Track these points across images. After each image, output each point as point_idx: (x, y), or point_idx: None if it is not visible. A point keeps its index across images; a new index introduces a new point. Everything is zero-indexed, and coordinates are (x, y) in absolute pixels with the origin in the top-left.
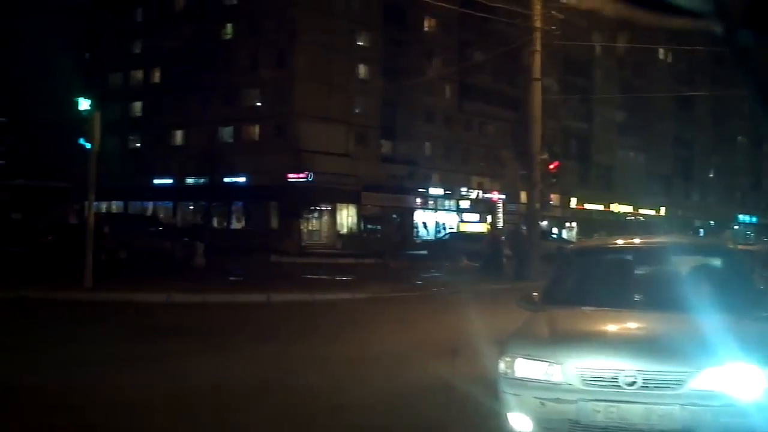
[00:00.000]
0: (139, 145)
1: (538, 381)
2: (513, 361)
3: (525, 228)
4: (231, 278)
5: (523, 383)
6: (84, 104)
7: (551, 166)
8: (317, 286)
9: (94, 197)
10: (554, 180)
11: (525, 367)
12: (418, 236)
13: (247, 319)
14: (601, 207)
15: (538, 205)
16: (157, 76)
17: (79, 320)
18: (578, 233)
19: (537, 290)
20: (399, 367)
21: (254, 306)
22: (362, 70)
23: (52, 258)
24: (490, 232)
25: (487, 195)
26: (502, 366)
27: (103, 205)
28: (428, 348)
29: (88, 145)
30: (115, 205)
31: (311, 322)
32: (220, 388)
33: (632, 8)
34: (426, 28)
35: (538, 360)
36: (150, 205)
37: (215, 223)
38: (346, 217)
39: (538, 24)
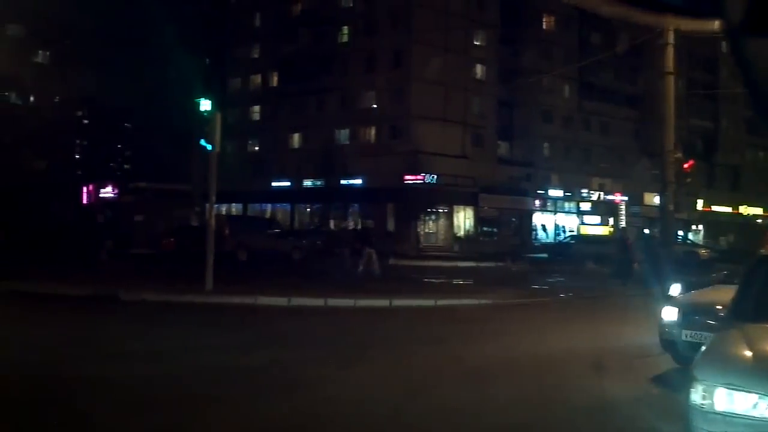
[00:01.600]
0: (257, 148)
1: (747, 417)
2: (712, 392)
3: (656, 231)
4: (348, 280)
5: (727, 419)
6: (205, 105)
7: (685, 166)
8: (438, 290)
9: (215, 199)
10: (689, 180)
11: (727, 399)
12: (536, 239)
13: (372, 324)
14: (728, 209)
15: (671, 207)
16: (274, 80)
17: (201, 324)
18: (705, 236)
19: (679, 298)
20: (545, 379)
21: (377, 311)
22: (479, 69)
23: (174, 260)
24: (618, 235)
25: (609, 196)
26: (696, 397)
27: (223, 208)
28: (572, 361)
29: (209, 147)
30: (235, 208)
31: (441, 329)
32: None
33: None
34: (544, 26)
35: (745, 391)
36: (268, 207)
37: (332, 225)
38: (463, 220)
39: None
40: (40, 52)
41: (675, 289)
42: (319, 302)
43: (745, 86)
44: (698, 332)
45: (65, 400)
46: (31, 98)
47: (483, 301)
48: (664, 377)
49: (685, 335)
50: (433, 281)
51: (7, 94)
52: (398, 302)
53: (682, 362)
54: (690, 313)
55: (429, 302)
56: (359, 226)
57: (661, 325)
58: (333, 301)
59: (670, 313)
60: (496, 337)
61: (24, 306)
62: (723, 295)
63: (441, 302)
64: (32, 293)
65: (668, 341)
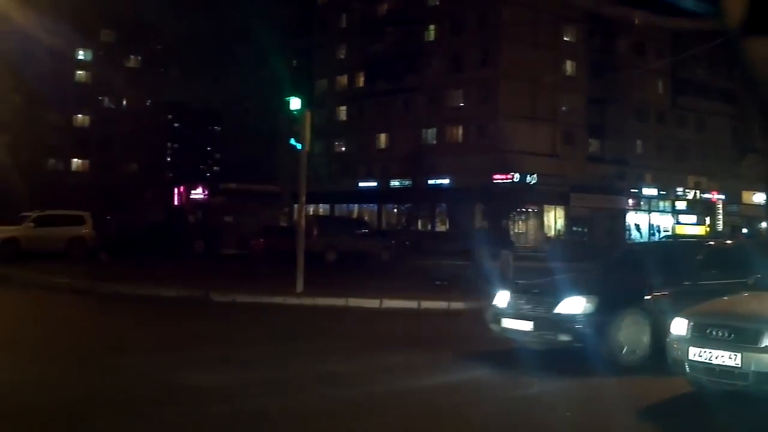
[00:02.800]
0: (343, 149)
1: None
2: None
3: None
4: (437, 283)
5: None
6: (295, 103)
7: None
8: None
9: (305, 199)
10: None
11: None
12: (630, 239)
13: (466, 327)
14: None
15: None
16: (361, 81)
17: (294, 326)
18: None
19: (692, 308)
20: None
21: (467, 314)
22: (568, 66)
23: (263, 260)
24: (728, 235)
25: (705, 195)
26: None
27: (311, 208)
28: None
29: (299, 146)
30: (322, 208)
31: None
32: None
33: None
34: (635, 20)
35: None
36: (355, 207)
37: (419, 225)
38: (554, 219)
39: None
40: (131, 57)
41: (501, 297)
42: (411, 304)
43: (745, 86)
44: (710, 350)
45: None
46: (124, 102)
47: None
48: None
49: (694, 354)
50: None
51: (101, 98)
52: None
53: (695, 386)
54: (702, 326)
55: None
56: (488, 226)
57: (670, 341)
58: (426, 304)
59: (679, 326)
60: None
61: (126, 309)
62: (748, 303)
63: None
64: (131, 295)
65: (677, 361)
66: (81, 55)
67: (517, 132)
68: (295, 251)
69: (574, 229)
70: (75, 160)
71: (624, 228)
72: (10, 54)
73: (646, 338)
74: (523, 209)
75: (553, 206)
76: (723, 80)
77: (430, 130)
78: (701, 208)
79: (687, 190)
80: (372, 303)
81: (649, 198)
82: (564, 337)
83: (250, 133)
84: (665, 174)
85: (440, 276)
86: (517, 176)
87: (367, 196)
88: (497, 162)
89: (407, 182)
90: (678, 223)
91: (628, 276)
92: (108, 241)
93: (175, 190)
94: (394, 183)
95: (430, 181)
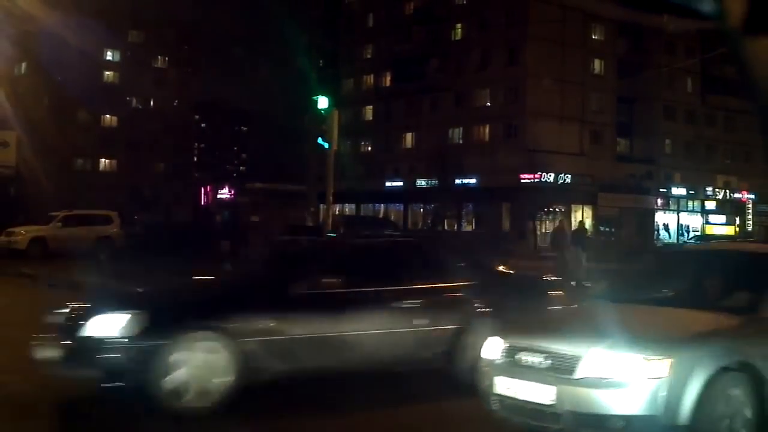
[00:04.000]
0: (369, 148)
1: None
2: None
3: None
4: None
5: None
6: (323, 102)
7: None
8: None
9: (332, 198)
10: None
11: None
12: (658, 239)
13: None
14: None
15: None
16: (387, 80)
17: None
18: None
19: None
20: None
21: None
22: (597, 64)
23: None
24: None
25: (735, 194)
26: None
27: (336, 208)
28: None
29: (326, 145)
30: (348, 208)
31: None
32: None
33: None
34: (664, 18)
35: None
36: (381, 207)
37: (445, 225)
38: (582, 219)
39: None
40: (159, 57)
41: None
42: None
43: (745, 85)
44: (520, 381)
45: None
46: (151, 102)
47: None
48: None
49: (503, 385)
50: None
51: (129, 98)
52: None
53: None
54: (514, 349)
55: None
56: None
57: (480, 367)
58: None
59: (492, 348)
60: None
61: None
62: (573, 319)
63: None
64: None
65: (485, 394)
66: (109, 55)
67: (545, 131)
68: None
69: (602, 228)
70: (103, 160)
71: (653, 228)
72: (40, 55)
73: (234, 373)
74: (551, 209)
75: (581, 206)
76: None
77: (456, 130)
78: (731, 208)
79: (716, 190)
80: None
81: (678, 198)
82: (91, 372)
83: (276, 133)
84: (694, 173)
85: None
86: (550, 176)
87: (393, 196)
88: (524, 161)
89: (434, 182)
90: (707, 223)
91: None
92: (135, 241)
93: (202, 190)
94: (421, 183)
95: (457, 181)
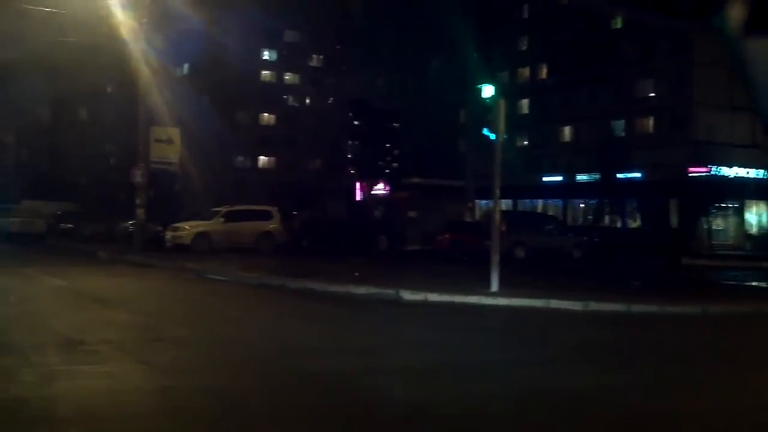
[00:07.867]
0: (526, 143)
1: None
2: None
3: None
4: (635, 283)
5: None
6: (488, 91)
7: None
8: (754, 295)
9: (499, 193)
10: None
11: None
12: None
13: (690, 336)
14: None
15: None
16: (543, 72)
17: (496, 331)
18: None
19: None
20: None
21: (689, 319)
22: None
23: (449, 257)
24: None
25: None
26: None
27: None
28: None
29: (492, 136)
30: (504, 204)
31: None
32: None
33: None
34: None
35: None
36: (539, 202)
37: (607, 221)
38: (756, 215)
39: None
40: (314, 56)
41: None
42: (619, 308)
43: (745, 85)
44: None
45: None
46: (307, 101)
47: None
48: None
49: None
50: (740, 284)
51: (285, 97)
52: (715, 309)
53: None
54: None
55: (746, 309)
56: None
57: None
58: (637, 308)
59: None
60: None
61: (323, 307)
62: None
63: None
64: (324, 293)
65: None
66: (266, 55)
67: (714, 122)
68: (483, 248)
69: None
70: (261, 157)
71: None
72: (202, 57)
73: None
74: (722, 204)
75: (755, 201)
76: None
77: (618, 122)
78: None
79: None
80: (575, 305)
81: None
82: None
83: (429, 129)
84: None
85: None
86: (720, 170)
87: (551, 190)
88: (693, 154)
89: (595, 176)
90: None
91: None
92: (294, 236)
93: (357, 186)
94: (581, 177)
95: (620, 175)
